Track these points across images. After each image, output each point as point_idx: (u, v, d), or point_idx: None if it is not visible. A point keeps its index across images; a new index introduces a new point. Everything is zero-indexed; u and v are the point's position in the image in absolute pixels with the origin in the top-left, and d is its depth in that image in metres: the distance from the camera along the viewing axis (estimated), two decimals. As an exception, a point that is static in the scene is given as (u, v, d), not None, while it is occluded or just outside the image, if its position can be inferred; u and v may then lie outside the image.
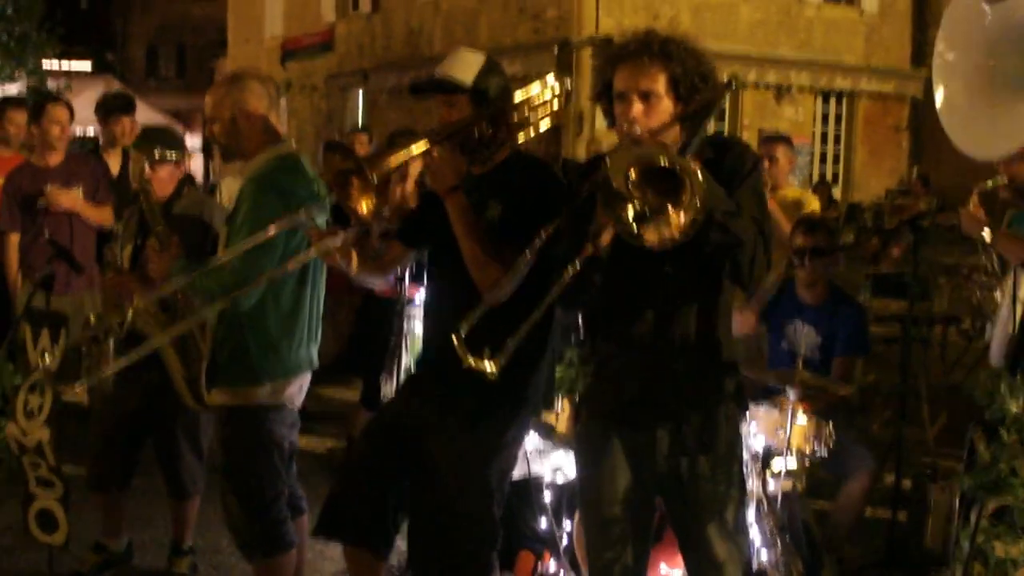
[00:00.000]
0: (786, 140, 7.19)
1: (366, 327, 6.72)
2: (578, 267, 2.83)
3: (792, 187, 6.73)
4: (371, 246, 3.73)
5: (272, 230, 3.52)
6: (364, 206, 3.33)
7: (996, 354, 4.85)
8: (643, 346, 3.16)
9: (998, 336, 4.82)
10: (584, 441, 3.39)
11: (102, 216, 6.58)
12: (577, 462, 3.45)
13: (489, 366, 2.67)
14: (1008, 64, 4.56)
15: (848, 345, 5.26)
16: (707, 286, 3.13)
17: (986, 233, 4.56)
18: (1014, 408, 3.68)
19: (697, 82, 3.06)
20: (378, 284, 4.71)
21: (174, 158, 4.77)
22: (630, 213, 2.73)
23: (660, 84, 3.04)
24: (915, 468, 5.52)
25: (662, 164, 2.68)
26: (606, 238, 2.86)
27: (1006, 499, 3.60)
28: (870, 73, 22.35)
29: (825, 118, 22.44)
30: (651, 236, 2.73)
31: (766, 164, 6.52)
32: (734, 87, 3.29)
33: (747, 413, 3.37)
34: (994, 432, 3.68)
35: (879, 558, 5.09)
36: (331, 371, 6.12)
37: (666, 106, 3.05)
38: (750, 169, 3.06)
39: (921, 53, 24.09)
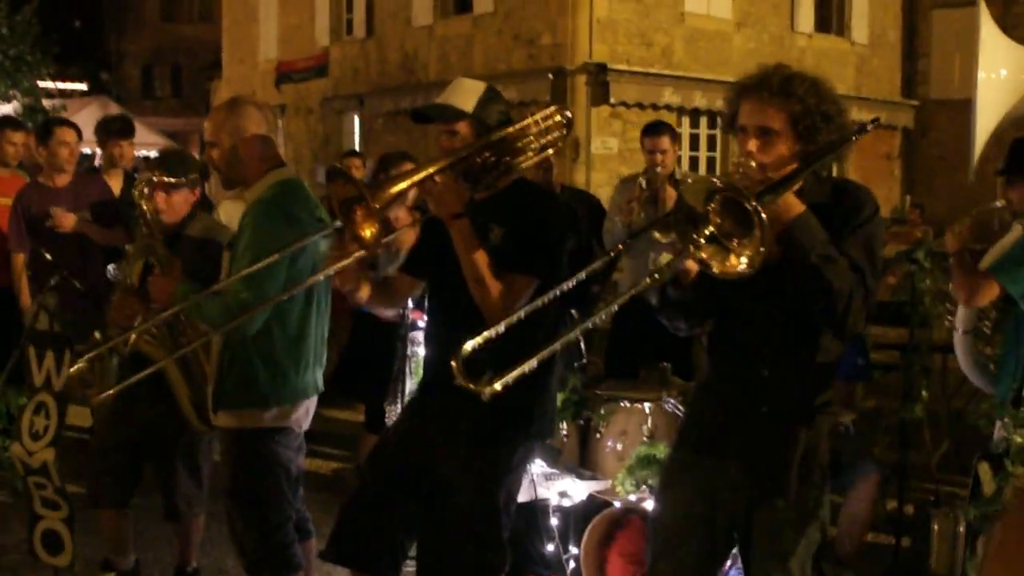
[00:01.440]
0: None
1: (365, 351, 6.71)
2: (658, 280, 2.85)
3: None
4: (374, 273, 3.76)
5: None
6: (368, 232, 3.35)
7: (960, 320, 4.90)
8: (730, 380, 3.19)
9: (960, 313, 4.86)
10: (669, 464, 3.44)
11: (112, 237, 6.58)
12: (660, 482, 3.46)
13: (485, 389, 2.61)
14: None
15: (848, 370, 5.29)
16: (799, 330, 3.08)
17: (952, 257, 4.57)
18: (1018, 440, 3.70)
19: (818, 121, 2.98)
20: (388, 313, 4.74)
21: (173, 182, 4.74)
22: (700, 236, 2.73)
23: (778, 122, 2.98)
24: (918, 494, 5.54)
25: (729, 195, 2.67)
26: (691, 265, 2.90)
27: (1013, 528, 3.61)
28: (860, 103, 22.49)
29: (816, 145, 22.57)
30: (714, 263, 2.73)
31: None
32: (869, 130, 3.25)
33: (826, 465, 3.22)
34: (999, 463, 3.70)
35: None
36: (334, 393, 6.11)
37: (784, 143, 2.99)
38: (866, 218, 3.00)
39: (911, 84, 24.31)
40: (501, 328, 2.82)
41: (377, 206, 3.30)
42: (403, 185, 3.45)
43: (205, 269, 4.33)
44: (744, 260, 2.67)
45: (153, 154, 20.66)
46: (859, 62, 23.45)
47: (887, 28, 24.07)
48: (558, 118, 3.73)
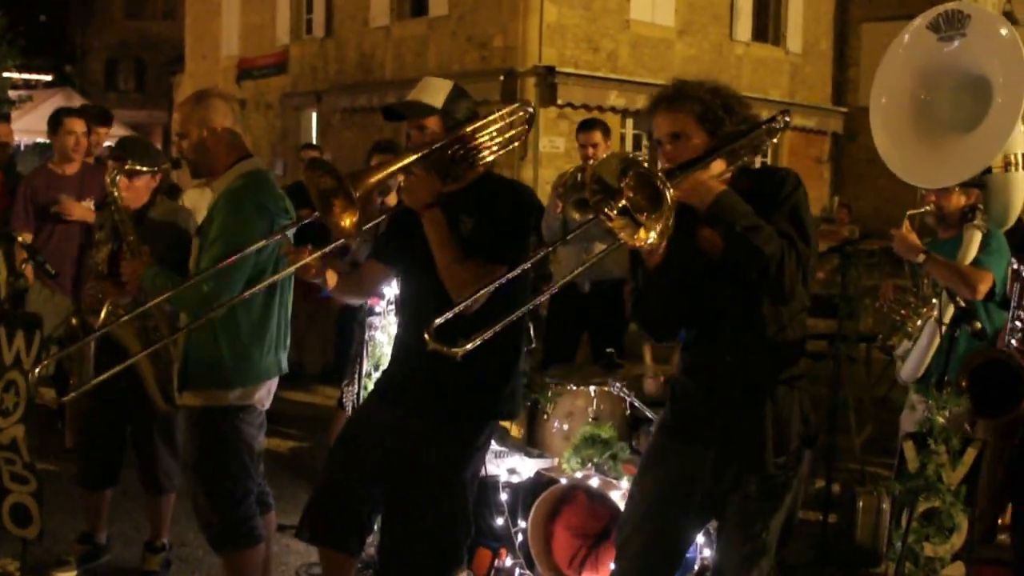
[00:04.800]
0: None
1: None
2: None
3: None
4: (347, 264, 3.76)
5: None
6: (347, 222, 3.36)
7: (909, 370, 4.94)
8: (699, 369, 3.21)
9: (915, 355, 4.91)
10: (649, 448, 3.44)
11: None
12: (640, 464, 3.46)
13: (457, 349, 2.60)
14: (941, 103, 4.70)
15: None
16: (749, 311, 3.10)
17: (920, 256, 4.68)
18: (941, 420, 3.79)
19: (720, 113, 3.10)
20: (358, 300, 4.74)
21: (145, 171, 4.73)
22: (614, 208, 2.75)
23: (684, 124, 3.10)
24: (844, 474, 5.66)
25: (640, 170, 2.70)
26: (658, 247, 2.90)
27: (934, 503, 3.71)
28: (794, 108, 22.74)
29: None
30: (623, 234, 2.75)
31: None
32: (778, 119, 3.30)
33: (810, 443, 3.21)
34: (923, 442, 3.79)
35: (812, 556, 5.19)
36: (293, 376, 6.12)
37: (696, 140, 3.09)
38: (788, 193, 3.07)
39: (841, 91, 24.62)
40: (465, 304, 2.84)
41: (357, 195, 3.32)
42: (380, 175, 3.46)
43: (168, 251, 4.34)
44: (653, 234, 2.69)
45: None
46: (793, 70, 23.71)
47: (820, 38, 24.36)
48: (521, 114, 3.75)
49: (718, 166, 3.08)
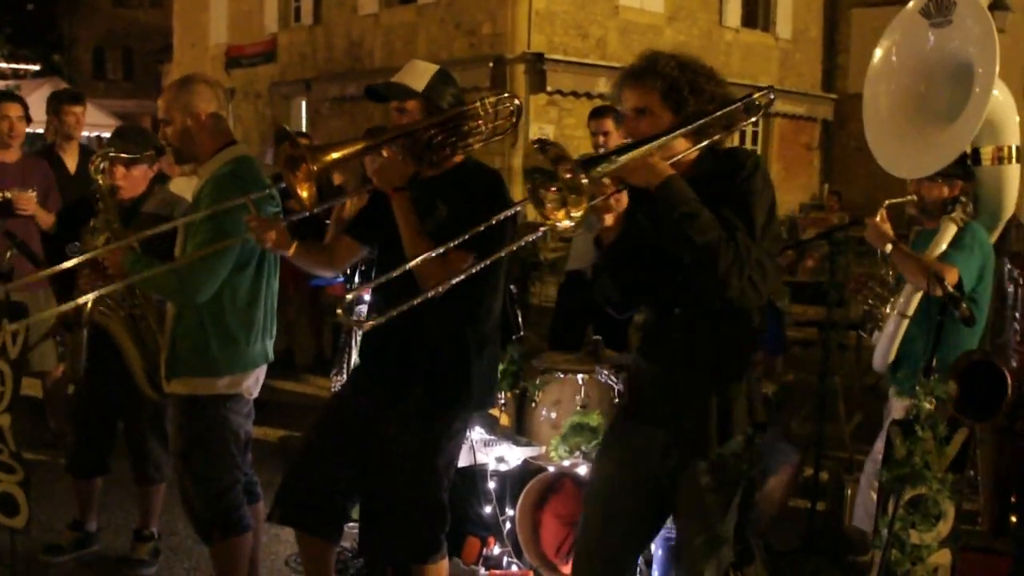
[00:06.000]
0: None
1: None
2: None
3: None
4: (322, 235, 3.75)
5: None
6: (305, 192, 3.36)
7: (878, 359, 4.93)
8: (651, 350, 3.19)
9: (882, 344, 4.89)
10: (606, 432, 3.47)
11: (49, 221, 6.36)
12: (598, 450, 3.47)
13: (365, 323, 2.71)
14: (937, 93, 4.67)
15: (768, 344, 5.37)
16: (697, 292, 3.00)
17: (887, 246, 4.64)
18: (927, 407, 3.79)
19: (686, 92, 3.00)
20: (327, 275, 4.74)
21: (135, 158, 4.69)
22: (548, 189, 2.70)
23: (647, 100, 3.03)
24: (832, 462, 5.67)
25: (561, 154, 2.66)
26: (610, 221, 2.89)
27: (921, 490, 3.71)
28: (783, 95, 22.75)
29: (742, 135, 22.81)
30: (549, 212, 2.71)
31: None
32: (763, 103, 3.20)
33: (760, 430, 3.14)
34: (910, 429, 3.79)
35: (800, 544, 5.20)
36: (284, 366, 6.11)
37: (662, 119, 3.01)
38: (743, 178, 2.96)
39: (831, 78, 24.64)
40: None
41: (315, 168, 3.31)
42: (344, 152, 3.45)
43: (160, 243, 4.30)
44: (571, 217, 2.63)
45: (106, 134, 20.24)
46: (782, 56, 23.72)
47: (809, 24, 24.37)
48: (508, 105, 3.72)
49: (682, 144, 3.01)
